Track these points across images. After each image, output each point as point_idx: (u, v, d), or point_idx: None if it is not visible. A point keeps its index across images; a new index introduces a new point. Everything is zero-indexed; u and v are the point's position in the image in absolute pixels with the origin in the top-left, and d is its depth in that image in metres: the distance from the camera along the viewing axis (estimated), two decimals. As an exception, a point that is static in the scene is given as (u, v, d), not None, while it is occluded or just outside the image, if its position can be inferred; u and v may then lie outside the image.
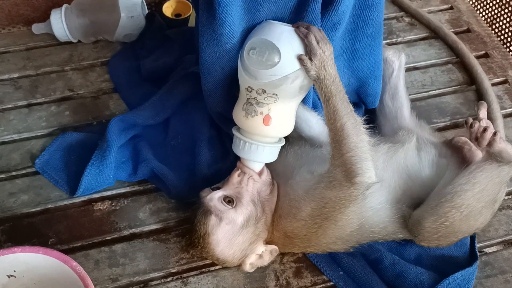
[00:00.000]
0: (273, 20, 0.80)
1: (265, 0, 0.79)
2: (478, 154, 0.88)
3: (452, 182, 0.83)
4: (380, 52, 0.95)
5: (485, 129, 0.82)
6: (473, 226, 0.84)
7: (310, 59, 0.76)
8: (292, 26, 0.78)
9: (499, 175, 0.82)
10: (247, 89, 0.80)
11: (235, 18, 0.78)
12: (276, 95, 0.79)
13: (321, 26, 0.82)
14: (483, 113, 0.90)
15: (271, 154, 0.85)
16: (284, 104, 0.81)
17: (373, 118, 1.00)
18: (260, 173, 0.86)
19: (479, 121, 0.85)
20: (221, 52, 0.82)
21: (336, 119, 0.78)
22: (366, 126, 0.81)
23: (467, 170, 0.83)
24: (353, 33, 0.89)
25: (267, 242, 0.86)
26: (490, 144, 0.82)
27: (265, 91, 0.79)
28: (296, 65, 0.77)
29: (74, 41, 1.20)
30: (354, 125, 0.79)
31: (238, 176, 0.85)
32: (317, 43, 0.76)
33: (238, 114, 0.83)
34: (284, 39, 0.76)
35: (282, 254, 0.90)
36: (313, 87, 0.87)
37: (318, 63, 0.76)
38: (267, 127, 0.81)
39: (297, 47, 0.77)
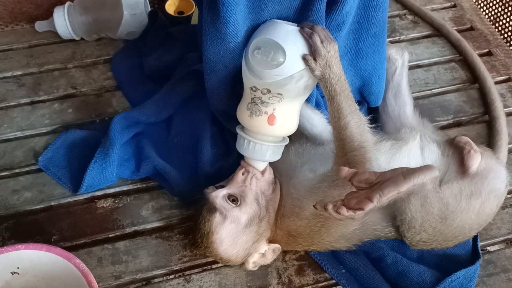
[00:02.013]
0: (278, 19, 0.80)
1: None
2: (477, 157, 0.86)
3: (399, 215, 0.80)
4: (384, 52, 0.95)
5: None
6: (464, 227, 0.82)
7: (315, 59, 0.76)
8: (298, 26, 0.78)
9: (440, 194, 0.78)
10: (251, 88, 0.80)
11: (239, 17, 0.78)
12: (281, 94, 0.79)
13: (325, 26, 0.81)
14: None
15: (275, 153, 0.85)
16: (288, 104, 0.80)
17: (376, 116, 1.00)
18: (263, 172, 0.86)
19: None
20: (225, 50, 0.82)
21: (340, 117, 0.78)
22: (371, 125, 0.81)
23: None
24: (357, 33, 0.89)
25: (270, 240, 0.86)
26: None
27: (270, 91, 0.79)
28: (301, 65, 0.77)
29: (77, 38, 1.20)
30: (358, 124, 0.79)
31: (242, 174, 0.85)
32: (321, 42, 0.76)
33: (243, 114, 0.83)
34: (289, 39, 0.76)
35: (284, 252, 0.90)
36: (317, 85, 0.87)
37: (322, 63, 0.76)
38: (271, 126, 0.81)
39: (302, 47, 0.77)
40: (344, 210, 0.69)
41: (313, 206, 0.73)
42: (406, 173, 0.71)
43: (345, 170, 0.73)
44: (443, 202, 0.78)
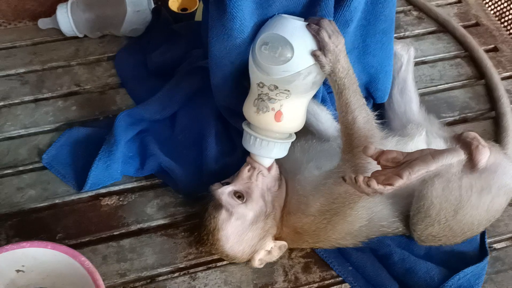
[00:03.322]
0: (285, 14, 0.80)
1: None
2: (485, 152, 0.86)
3: (418, 202, 0.80)
4: (391, 48, 0.94)
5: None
6: (473, 222, 0.82)
7: (324, 54, 0.75)
8: (305, 21, 0.77)
9: (452, 180, 0.77)
10: (258, 84, 0.79)
11: (246, 13, 0.77)
12: (289, 91, 0.78)
13: (332, 21, 0.81)
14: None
15: (281, 149, 0.84)
16: (296, 100, 0.80)
17: (382, 112, 0.99)
18: (269, 169, 0.85)
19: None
20: (231, 46, 0.81)
21: (348, 112, 0.78)
22: (378, 121, 0.80)
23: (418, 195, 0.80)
24: (364, 29, 0.88)
25: (276, 238, 0.86)
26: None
27: (277, 87, 0.78)
28: (309, 60, 0.76)
29: (80, 35, 1.20)
30: (366, 119, 0.78)
31: (248, 171, 0.85)
32: (329, 37, 0.75)
33: (249, 110, 0.82)
34: (297, 34, 0.75)
35: (290, 250, 0.90)
36: (323, 81, 0.86)
37: (332, 58, 0.75)
38: (278, 123, 0.80)
39: (310, 43, 0.76)
40: (374, 183, 0.69)
41: (342, 178, 0.73)
42: (434, 153, 0.73)
43: (372, 148, 0.73)
44: (461, 191, 0.78)
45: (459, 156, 0.74)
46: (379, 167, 0.75)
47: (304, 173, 0.86)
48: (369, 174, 0.75)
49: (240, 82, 0.88)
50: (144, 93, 1.07)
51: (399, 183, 0.70)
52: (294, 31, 0.75)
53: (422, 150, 0.73)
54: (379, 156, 0.73)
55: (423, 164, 0.71)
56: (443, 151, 0.74)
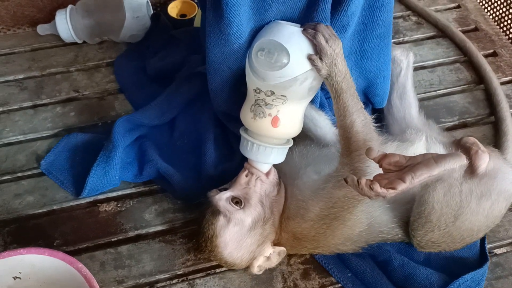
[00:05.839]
0: (282, 20, 0.80)
1: (274, 0, 0.78)
2: (485, 157, 0.85)
3: (419, 207, 0.80)
4: (389, 53, 0.94)
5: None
6: (473, 228, 0.82)
7: (321, 58, 0.75)
8: (301, 27, 0.77)
9: (454, 184, 0.77)
10: (255, 90, 0.79)
11: (242, 18, 0.77)
12: (285, 96, 0.78)
13: (329, 27, 0.81)
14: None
15: (279, 155, 0.84)
16: (292, 106, 0.80)
17: (381, 116, 0.99)
18: (267, 174, 0.85)
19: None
20: (229, 52, 0.81)
21: (346, 115, 0.78)
22: (376, 124, 0.80)
23: (420, 198, 0.80)
24: (362, 34, 0.88)
25: (275, 243, 0.85)
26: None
27: (273, 93, 0.78)
28: (305, 66, 0.76)
29: (79, 41, 1.20)
30: (363, 122, 0.78)
31: (246, 176, 0.84)
32: (327, 41, 0.75)
33: (246, 116, 0.82)
34: (293, 40, 0.75)
35: (289, 256, 0.89)
36: (321, 86, 0.86)
37: (328, 62, 0.75)
38: (275, 128, 0.80)
39: (306, 48, 0.76)
40: (377, 186, 0.69)
41: (344, 179, 0.72)
42: (437, 158, 0.72)
43: (375, 151, 0.72)
44: (461, 196, 0.78)
45: (462, 161, 0.74)
46: (377, 171, 0.75)
47: (303, 178, 0.86)
48: (369, 177, 0.74)
49: (238, 88, 0.88)
50: (143, 98, 1.07)
51: (402, 187, 0.69)
52: (290, 36, 0.75)
53: (424, 154, 0.73)
54: (381, 159, 0.72)
55: (426, 169, 0.71)
56: (445, 155, 0.74)
